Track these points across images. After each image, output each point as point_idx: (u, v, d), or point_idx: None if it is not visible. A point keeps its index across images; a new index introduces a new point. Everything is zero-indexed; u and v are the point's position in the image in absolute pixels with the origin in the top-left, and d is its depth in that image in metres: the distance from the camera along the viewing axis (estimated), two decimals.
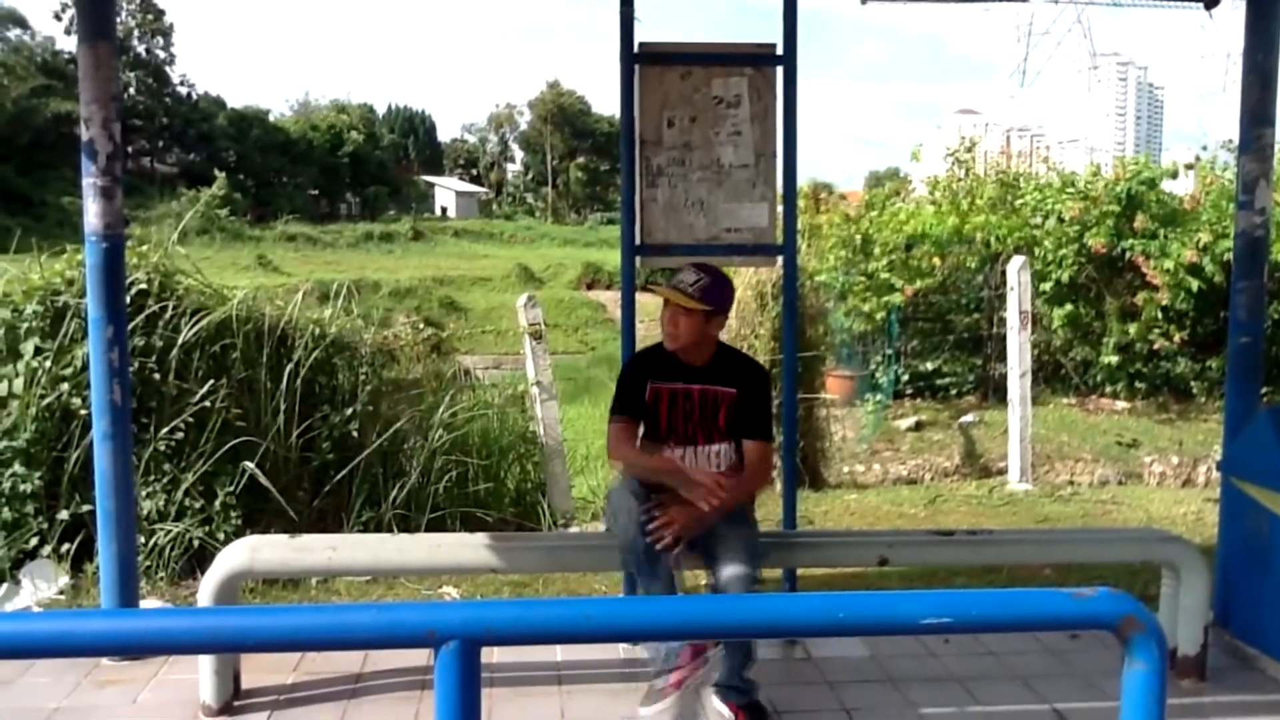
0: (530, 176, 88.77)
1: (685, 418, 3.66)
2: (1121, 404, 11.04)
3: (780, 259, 4.60)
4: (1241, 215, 4.41)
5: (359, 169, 70.83)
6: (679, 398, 3.66)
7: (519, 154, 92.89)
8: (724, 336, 8.26)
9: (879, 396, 10.62)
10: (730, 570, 3.37)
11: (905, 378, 11.34)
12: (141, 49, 62.18)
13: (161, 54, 64.12)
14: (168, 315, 5.38)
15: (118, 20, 4.70)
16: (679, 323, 3.59)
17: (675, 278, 3.64)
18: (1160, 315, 10.65)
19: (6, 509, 5.08)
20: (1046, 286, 10.87)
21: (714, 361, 3.68)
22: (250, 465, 5.27)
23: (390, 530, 5.44)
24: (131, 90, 59.13)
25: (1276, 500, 3.99)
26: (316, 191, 68.57)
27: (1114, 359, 10.74)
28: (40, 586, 4.92)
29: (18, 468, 5.10)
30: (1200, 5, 4.55)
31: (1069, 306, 10.84)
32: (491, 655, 4.02)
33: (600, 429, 5.31)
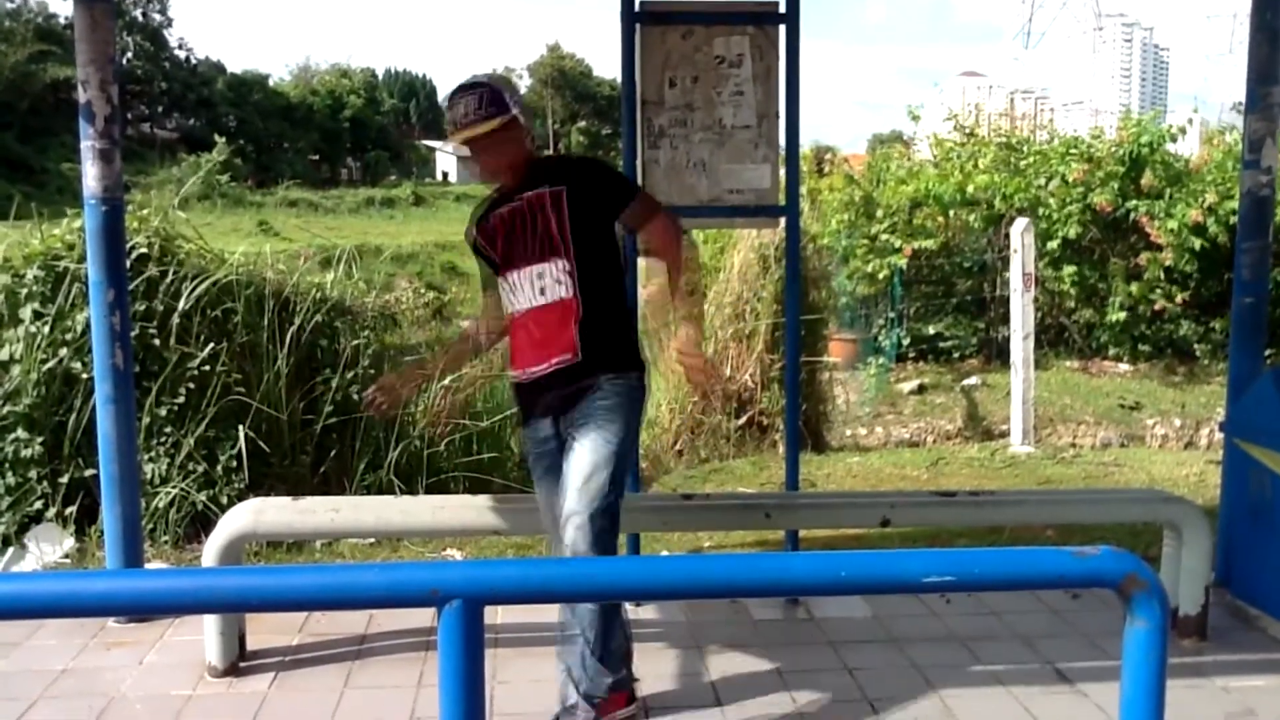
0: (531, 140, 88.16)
1: (509, 237, 3.18)
2: (1124, 366, 11.05)
3: (783, 221, 4.58)
4: (1247, 174, 4.38)
5: (360, 134, 70.59)
6: (505, 220, 3.19)
7: None
8: (728, 299, 8.35)
9: (881, 359, 10.63)
10: (568, 504, 3.02)
11: (908, 341, 11.35)
12: (138, 13, 61.73)
13: (158, 18, 63.76)
14: (168, 280, 5.37)
15: None
16: (500, 155, 3.12)
17: (453, 118, 3.10)
18: (1163, 276, 10.62)
19: (10, 474, 5.10)
20: (1052, 245, 10.83)
21: (530, 171, 3.18)
22: (245, 429, 5.27)
23: (392, 493, 5.45)
24: (129, 55, 58.75)
25: (1279, 461, 3.99)
26: (317, 156, 68.32)
27: (1120, 316, 10.72)
28: (45, 550, 4.94)
29: (20, 432, 5.11)
30: None
31: (1073, 267, 10.81)
32: (496, 616, 4.04)
33: None
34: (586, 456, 3.05)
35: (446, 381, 6.14)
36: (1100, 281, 11.05)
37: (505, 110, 3.06)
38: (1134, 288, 10.68)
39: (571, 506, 3.03)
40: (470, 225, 3.34)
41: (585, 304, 3.11)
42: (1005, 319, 9.66)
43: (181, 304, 5.32)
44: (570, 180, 3.14)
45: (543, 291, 3.13)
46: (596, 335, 3.13)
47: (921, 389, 10.30)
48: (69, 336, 5.19)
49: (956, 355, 11.38)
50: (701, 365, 3.21)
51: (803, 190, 9.30)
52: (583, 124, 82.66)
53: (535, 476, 3.37)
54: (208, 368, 5.29)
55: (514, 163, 3.14)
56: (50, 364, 5.15)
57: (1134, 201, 10.74)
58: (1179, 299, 10.64)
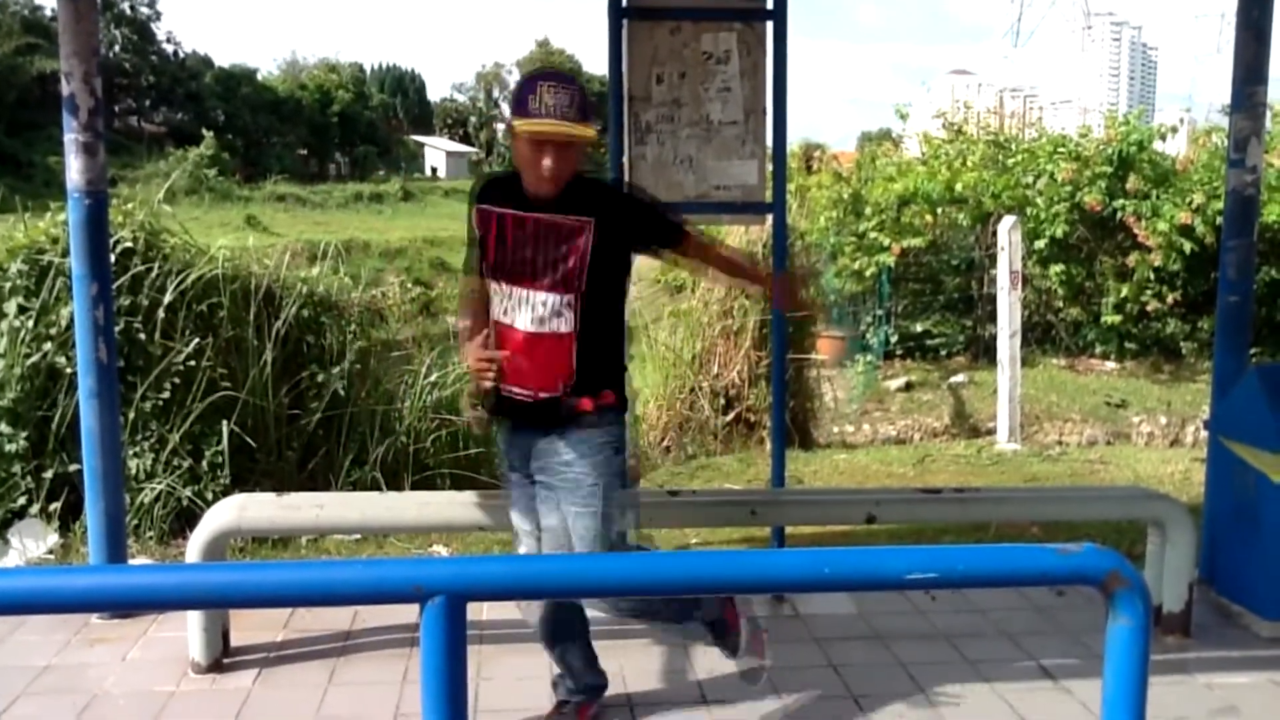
0: None
1: (519, 249, 2.93)
2: (1111, 364, 11.09)
3: (770, 218, 4.58)
4: (1233, 173, 4.39)
5: (348, 128, 70.25)
6: (519, 228, 2.93)
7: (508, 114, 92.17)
8: (717, 295, 8.37)
9: (869, 357, 10.66)
10: (571, 521, 2.96)
11: (895, 338, 11.37)
12: (126, 6, 61.37)
13: (146, 11, 63.36)
14: (153, 274, 5.34)
15: None
16: (567, 163, 2.88)
17: (537, 104, 2.81)
18: (1152, 276, 10.67)
19: None
20: (1040, 244, 10.86)
21: (568, 190, 2.93)
22: (230, 425, 5.24)
23: (378, 489, 5.43)
24: (117, 48, 58.43)
25: (1263, 459, 4.00)
26: (305, 151, 68.02)
27: (1115, 318, 10.77)
28: (29, 546, 4.91)
29: (4, 427, 5.08)
30: None
31: (1061, 266, 10.85)
32: (481, 613, 4.03)
33: None
34: (577, 536, 2.97)
35: (434, 378, 6.15)
36: (1088, 280, 11.09)
37: (591, 116, 2.89)
38: (1124, 289, 10.72)
39: None
40: (474, 195, 3.08)
41: (582, 339, 2.97)
42: (992, 317, 9.68)
43: (166, 298, 5.29)
44: (600, 213, 2.93)
45: (541, 322, 2.93)
46: (588, 373, 3.00)
47: (909, 386, 10.32)
48: (53, 331, 5.15)
49: (944, 353, 11.41)
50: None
51: (791, 188, 9.32)
52: None
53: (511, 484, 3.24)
54: (193, 363, 5.26)
55: (569, 176, 2.90)
56: (34, 358, 5.12)
57: (1121, 201, 10.78)
58: (1169, 299, 10.69)
